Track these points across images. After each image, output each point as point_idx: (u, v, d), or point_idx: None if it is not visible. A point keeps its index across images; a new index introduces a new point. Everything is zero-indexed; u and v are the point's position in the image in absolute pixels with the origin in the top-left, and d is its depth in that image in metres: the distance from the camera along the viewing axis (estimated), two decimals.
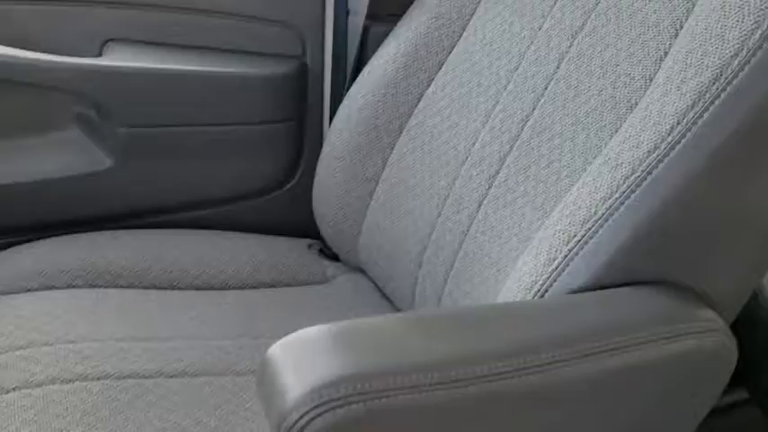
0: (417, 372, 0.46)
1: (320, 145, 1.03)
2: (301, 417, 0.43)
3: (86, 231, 0.99)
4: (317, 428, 0.43)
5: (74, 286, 0.89)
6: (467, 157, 0.82)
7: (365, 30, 1.02)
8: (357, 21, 1.04)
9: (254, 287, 0.96)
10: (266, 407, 0.47)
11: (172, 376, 0.76)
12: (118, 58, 1.00)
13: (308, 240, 1.06)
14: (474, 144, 0.81)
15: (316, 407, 0.43)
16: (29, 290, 0.88)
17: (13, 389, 0.71)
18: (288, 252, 1.03)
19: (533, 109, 0.75)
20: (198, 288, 0.94)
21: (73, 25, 1.00)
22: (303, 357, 0.47)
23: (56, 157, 1.03)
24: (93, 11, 1.00)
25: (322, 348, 0.48)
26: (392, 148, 0.91)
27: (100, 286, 0.90)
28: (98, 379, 0.73)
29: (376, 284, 0.96)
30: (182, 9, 1.03)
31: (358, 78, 0.97)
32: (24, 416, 0.67)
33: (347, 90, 0.99)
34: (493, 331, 0.54)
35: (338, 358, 0.47)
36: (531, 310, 0.58)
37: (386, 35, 0.96)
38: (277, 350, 0.48)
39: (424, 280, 0.84)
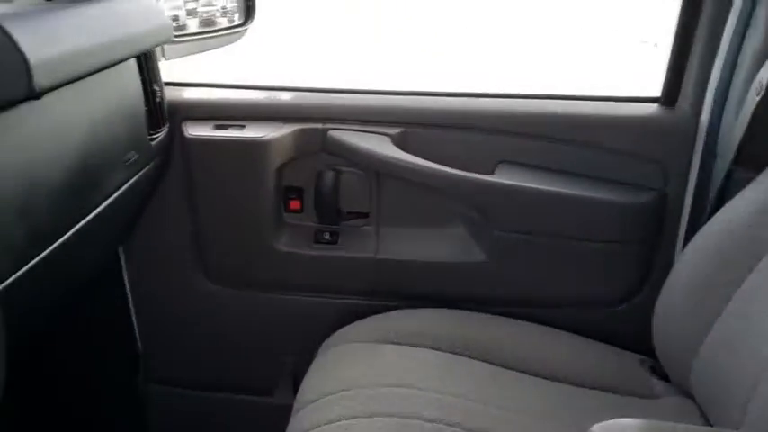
0: None
1: (669, 268, 1.10)
2: None
3: (455, 307, 1.22)
4: None
5: (431, 347, 1.10)
6: None
7: (729, 173, 1.08)
8: (722, 164, 1.10)
9: (579, 385, 1.06)
10: None
11: (470, 430, 0.90)
12: (506, 177, 1.23)
13: (642, 356, 1.13)
14: None
15: None
16: (397, 343, 1.11)
17: (353, 417, 0.93)
18: (620, 362, 1.12)
19: None
20: (527, 372, 1.08)
21: (475, 148, 1.25)
22: None
23: (443, 246, 1.30)
24: (492, 137, 1.25)
25: None
26: (739, 285, 0.94)
27: (448, 351, 1.10)
28: (406, 418, 0.92)
29: (701, 411, 0.98)
30: (564, 141, 1.23)
31: (717, 215, 1.02)
32: None
33: (704, 223, 1.05)
34: None
35: None
36: None
37: (748, 181, 1.00)
38: (597, 430, 0.58)
39: (751, 413, 0.85)
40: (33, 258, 0.82)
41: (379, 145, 1.24)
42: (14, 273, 0.78)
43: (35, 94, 0.71)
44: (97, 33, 0.85)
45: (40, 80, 0.70)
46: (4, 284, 0.76)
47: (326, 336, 1.19)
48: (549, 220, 1.23)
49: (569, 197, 1.21)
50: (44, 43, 0.72)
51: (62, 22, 0.80)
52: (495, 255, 1.26)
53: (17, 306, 0.77)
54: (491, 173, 1.24)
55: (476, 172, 1.23)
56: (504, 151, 1.25)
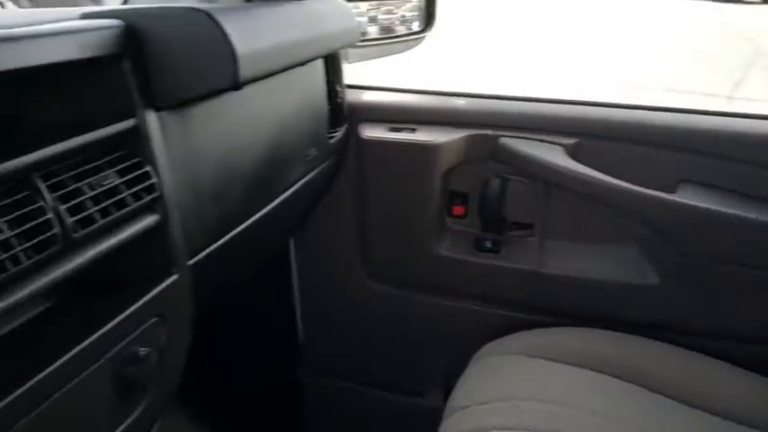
0: None
1: None
2: None
3: (619, 330, 1.17)
4: None
5: (592, 369, 1.06)
6: None
7: None
8: None
9: (740, 422, 0.99)
10: None
11: None
12: (690, 197, 1.15)
13: None
14: None
15: None
16: (558, 360, 1.08)
17: (507, 428, 0.93)
18: None
19: None
20: (683, 402, 1.01)
21: (654, 164, 1.19)
22: None
23: (611, 265, 1.24)
24: (674, 154, 1.18)
25: None
26: None
27: (610, 374, 1.05)
28: None
29: None
30: (750, 162, 1.13)
31: None
32: None
33: None
34: None
35: None
36: None
37: None
38: None
39: None
40: (222, 238, 0.89)
41: (552, 155, 1.21)
42: (206, 249, 0.85)
43: (238, 85, 0.77)
44: (294, 31, 0.91)
45: (244, 72, 0.75)
46: (196, 258, 0.82)
47: (480, 343, 1.18)
48: (733, 246, 1.14)
49: (755, 223, 1.11)
50: (249, 38, 0.78)
51: (263, 18, 0.86)
52: (670, 278, 1.18)
53: (204, 281, 0.84)
54: (672, 191, 1.17)
55: (654, 189, 1.17)
56: (687, 170, 1.18)
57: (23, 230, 0.57)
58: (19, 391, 0.56)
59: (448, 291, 1.34)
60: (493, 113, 1.27)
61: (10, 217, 0.56)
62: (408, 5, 1.62)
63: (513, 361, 1.10)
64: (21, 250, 0.56)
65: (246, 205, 0.95)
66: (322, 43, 0.99)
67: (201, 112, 0.82)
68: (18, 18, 0.68)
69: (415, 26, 1.58)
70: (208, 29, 0.74)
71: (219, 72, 0.75)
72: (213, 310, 1.35)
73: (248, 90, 0.86)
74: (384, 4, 1.66)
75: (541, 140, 1.23)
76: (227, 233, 0.90)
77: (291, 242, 1.42)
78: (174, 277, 0.76)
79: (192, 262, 0.81)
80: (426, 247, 1.32)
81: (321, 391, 1.51)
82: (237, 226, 0.92)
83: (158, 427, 0.80)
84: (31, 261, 0.57)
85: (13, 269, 0.55)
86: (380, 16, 1.66)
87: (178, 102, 0.75)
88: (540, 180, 1.25)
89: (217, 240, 0.88)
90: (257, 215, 0.98)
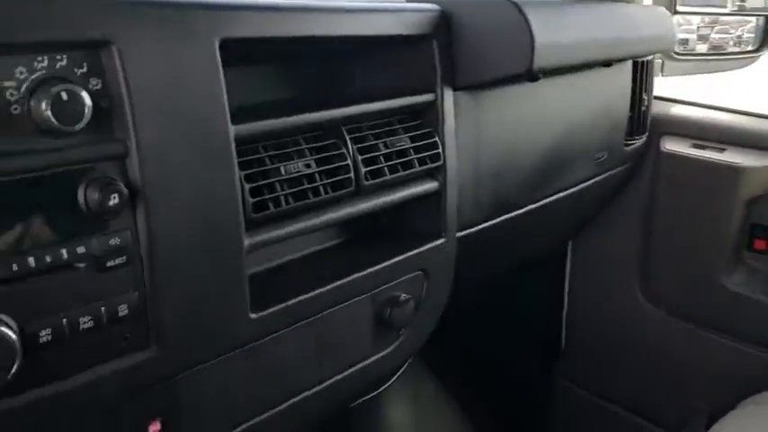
0: None
1: None
2: None
3: None
4: None
5: None
6: None
7: None
8: None
9: None
10: None
11: None
12: None
13: None
14: None
15: None
16: None
17: None
18: None
19: None
20: None
21: None
22: None
23: None
24: None
25: None
26: None
27: None
28: None
29: None
30: None
31: None
32: None
33: None
34: None
35: None
36: None
37: None
38: None
39: None
40: (494, 219, 0.94)
41: None
42: (476, 225, 0.92)
43: (532, 73, 0.81)
44: (598, 30, 0.92)
45: (540, 61, 0.79)
46: (466, 231, 0.89)
47: (751, 389, 1.07)
48: None
49: None
50: (550, 30, 0.82)
51: (570, 14, 0.89)
52: None
53: (470, 255, 0.90)
54: None
55: None
56: None
57: (326, 170, 0.69)
58: (297, 299, 0.68)
59: (731, 330, 1.23)
60: None
61: (318, 156, 0.69)
62: (748, 26, 1.51)
63: None
64: (321, 185, 0.68)
65: (523, 193, 0.99)
66: (627, 46, 0.98)
67: (495, 96, 0.88)
68: None
69: (750, 45, 1.47)
70: (514, 18, 0.79)
71: (517, 59, 0.80)
72: (478, 296, 1.43)
73: (544, 84, 0.90)
74: (720, 23, 1.56)
75: None
76: (499, 216, 0.95)
77: (570, 245, 1.42)
78: (441, 241, 0.84)
79: (460, 234, 0.88)
80: (715, 279, 1.22)
81: (572, 401, 1.49)
82: (511, 211, 0.97)
83: (407, 368, 0.89)
84: (328, 195, 0.69)
85: (314, 199, 0.68)
86: (713, 35, 1.57)
87: (475, 83, 0.83)
88: None
89: (488, 220, 0.94)
90: (533, 205, 1.01)
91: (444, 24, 0.79)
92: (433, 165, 0.80)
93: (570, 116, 1.03)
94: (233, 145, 0.58)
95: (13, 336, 0.47)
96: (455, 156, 0.83)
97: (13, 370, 0.47)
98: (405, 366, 0.96)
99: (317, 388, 0.74)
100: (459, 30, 0.79)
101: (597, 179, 1.15)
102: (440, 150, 0.80)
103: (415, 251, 0.81)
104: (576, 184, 1.10)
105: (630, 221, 1.31)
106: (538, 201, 1.03)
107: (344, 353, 0.77)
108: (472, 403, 1.42)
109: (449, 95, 0.81)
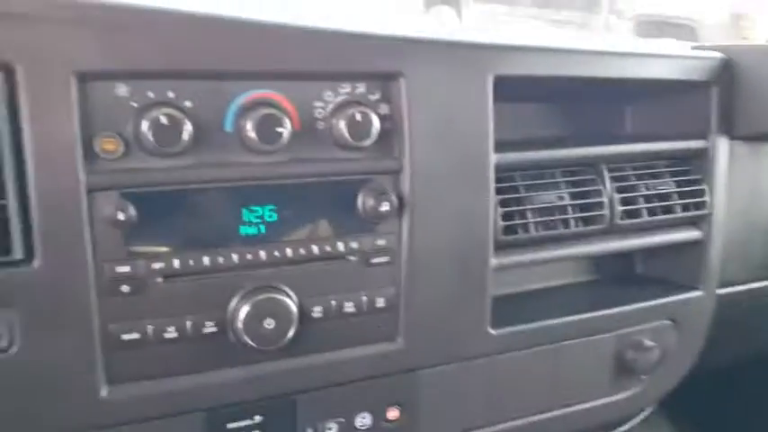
0: None
1: None
2: None
3: None
4: None
5: None
6: None
7: None
8: None
9: None
10: None
11: None
12: None
13: None
14: None
15: None
16: None
17: None
18: None
19: None
20: None
21: None
22: None
23: None
24: None
25: None
26: None
27: None
28: None
29: None
30: None
31: None
32: None
33: None
34: None
35: None
36: None
37: None
38: None
39: None
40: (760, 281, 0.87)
41: None
42: (743, 285, 0.86)
43: None
44: None
45: None
46: (728, 290, 0.84)
47: None
48: None
49: None
50: None
51: None
52: None
53: (729, 318, 0.84)
54: None
55: None
56: None
57: (579, 204, 0.71)
58: (538, 323, 0.71)
59: None
60: None
61: (572, 190, 0.72)
62: None
63: None
64: (572, 218, 0.71)
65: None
66: None
67: None
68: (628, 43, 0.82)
69: None
70: None
71: None
72: (735, 361, 1.29)
73: None
74: None
75: None
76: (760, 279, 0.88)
77: None
78: (697, 293, 0.80)
79: (721, 291, 0.83)
80: None
81: None
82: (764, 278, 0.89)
83: (645, 419, 0.86)
84: (578, 229, 0.71)
85: (563, 230, 0.70)
86: None
87: (755, 134, 0.78)
88: None
89: (758, 281, 0.87)
90: None
91: (727, 72, 0.76)
92: (698, 213, 0.78)
93: None
94: (492, 171, 0.64)
95: (294, 307, 0.57)
96: (724, 206, 0.79)
97: (290, 335, 0.57)
98: (641, 415, 0.92)
99: (547, 414, 0.76)
100: (744, 78, 0.76)
101: None
102: (707, 198, 0.78)
103: (667, 299, 0.79)
104: None
105: None
106: None
107: (580, 386, 0.78)
108: None
109: (723, 144, 0.78)
